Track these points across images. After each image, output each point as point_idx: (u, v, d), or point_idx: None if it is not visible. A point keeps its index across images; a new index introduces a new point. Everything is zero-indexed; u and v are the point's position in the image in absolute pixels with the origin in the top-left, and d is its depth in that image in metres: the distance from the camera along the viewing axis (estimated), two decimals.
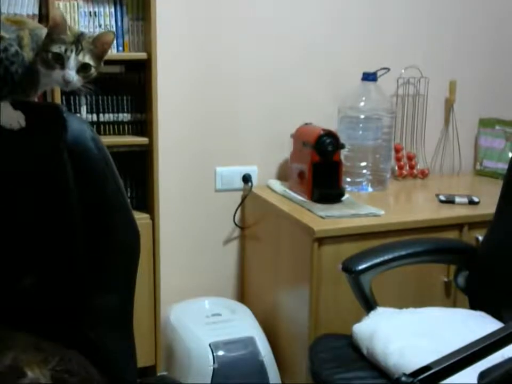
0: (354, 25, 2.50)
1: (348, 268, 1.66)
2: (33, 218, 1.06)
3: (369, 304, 1.67)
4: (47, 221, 1.03)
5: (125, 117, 2.16)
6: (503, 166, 2.50)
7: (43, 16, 1.94)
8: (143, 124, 2.18)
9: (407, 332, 1.54)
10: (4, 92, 1.08)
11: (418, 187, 2.56)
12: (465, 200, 2.23)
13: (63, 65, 1.06)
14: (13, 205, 1.06)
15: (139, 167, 2.18)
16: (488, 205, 2.01)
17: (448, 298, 2.12)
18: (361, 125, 2.37)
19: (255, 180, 2.43)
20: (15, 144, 1.07)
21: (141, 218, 2.09)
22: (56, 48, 1.06)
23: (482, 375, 1.11)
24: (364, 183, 2.39)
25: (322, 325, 1.95)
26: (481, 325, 1.55)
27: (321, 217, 2.01)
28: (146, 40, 2.08)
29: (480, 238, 2.03)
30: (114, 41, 2.08)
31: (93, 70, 1.10)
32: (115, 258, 0.93)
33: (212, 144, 2.39)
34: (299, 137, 2.27)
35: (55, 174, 1.07)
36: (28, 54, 1.08)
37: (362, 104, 2.38)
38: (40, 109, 1.14)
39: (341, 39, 2.49)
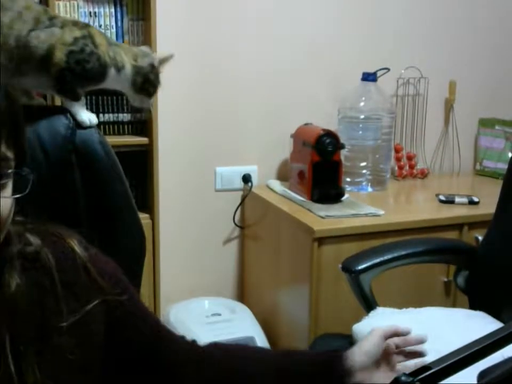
0: (354, 26, 2.50)
1: (348, 267, 1.66)
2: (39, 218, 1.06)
3: (369, 304, 1.67)
4: (53, 222, 1.03)
5: (125, 117, 2.16)
6: (503, 166, 2.50)
7: None
8: (143, 124, 2.18)
9: None
10: (77, 90, 1.14)
11: (418, 187, 2.56)
12: (465, 200, 2.23)
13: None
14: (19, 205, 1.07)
15: (139, 167, 2.18)
16: (488, 205, 2.01)
17: (448, 298, 2.12)
18: (361, 125, 2.37)
19: (255, 180, 2.43)
20: None
21: (141, 218, 2.09)
22: (158, 83, 1.26)
23: (482, 375, 1.11)
24: (364, 183, 2.39)
25: (322, 324, 1.95)
26: (481, 325, 1.55)
27: (321, 217, 2.01)
28: (146, 40, 2.08)
29: (480, 238, 2.02)
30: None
31: None
32: (120, 259, 0.94)
33: (211, 144, 2.39)
34: (299, 137, 2.27)
35: (63, 176, 1.08)
36: (104, 55, 1.13)
37: (362, 104, 2.38)
38: (49, 112, 1.15)
39: (341, 39, 2.49)
